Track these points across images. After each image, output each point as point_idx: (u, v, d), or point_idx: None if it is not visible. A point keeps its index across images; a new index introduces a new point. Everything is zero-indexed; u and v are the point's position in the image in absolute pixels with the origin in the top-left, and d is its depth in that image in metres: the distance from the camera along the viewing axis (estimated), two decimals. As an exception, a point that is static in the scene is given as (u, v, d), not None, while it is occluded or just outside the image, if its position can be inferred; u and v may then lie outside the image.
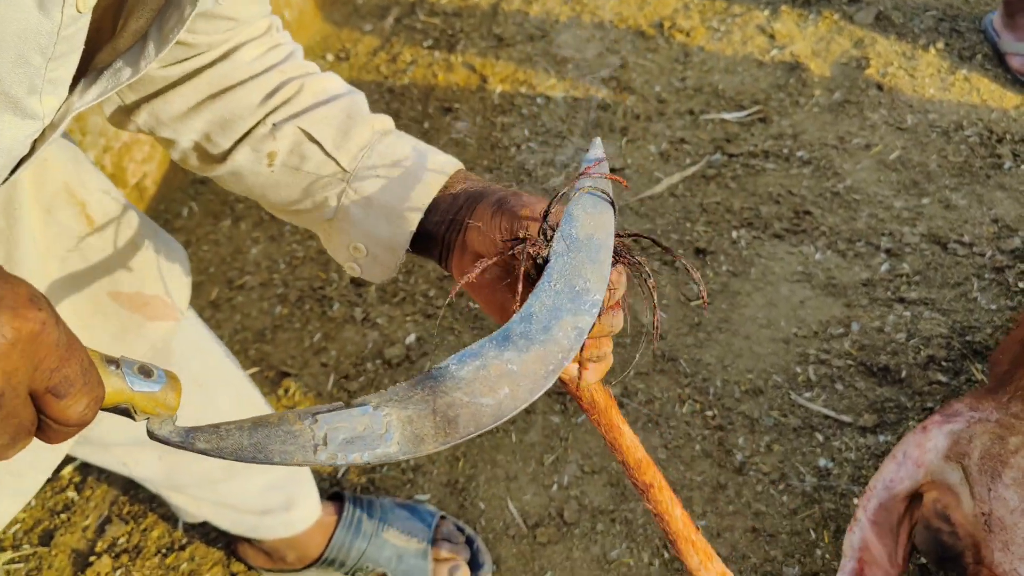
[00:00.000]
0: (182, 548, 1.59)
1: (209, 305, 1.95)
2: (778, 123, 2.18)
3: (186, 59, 0.87)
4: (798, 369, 1.73)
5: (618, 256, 0.77)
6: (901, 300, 1.81)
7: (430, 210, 0.87)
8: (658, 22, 2.48)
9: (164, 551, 1.58)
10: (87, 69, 0.74)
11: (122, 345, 1.06)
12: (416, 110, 2.34)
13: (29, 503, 1.63)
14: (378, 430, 0.63)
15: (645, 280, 0.78)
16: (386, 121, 0.93)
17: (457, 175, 0.89)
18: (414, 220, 0.87)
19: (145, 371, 0.62)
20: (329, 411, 0.63)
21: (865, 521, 1.29)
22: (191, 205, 2.17)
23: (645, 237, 0.77)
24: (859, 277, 1.86)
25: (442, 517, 1.56)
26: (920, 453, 1.26)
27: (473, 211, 0.83)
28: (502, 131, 2.25)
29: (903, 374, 1.70)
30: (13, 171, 0.73)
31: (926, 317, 1.78)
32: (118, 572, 1.56)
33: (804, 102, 2.22)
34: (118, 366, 0.61)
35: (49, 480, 1.66)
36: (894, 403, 1.67)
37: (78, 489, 1.67)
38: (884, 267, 1.87)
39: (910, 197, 1.99)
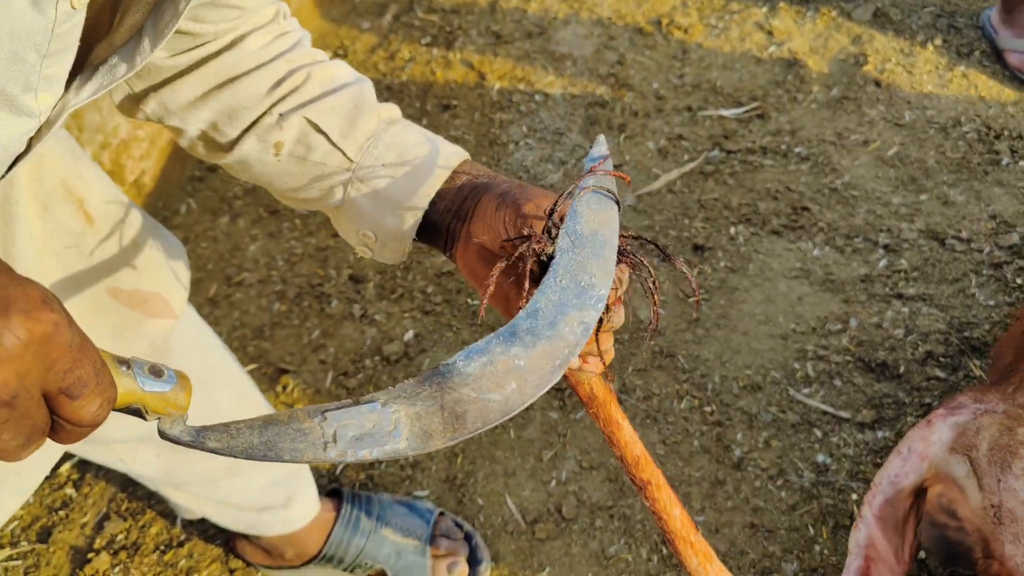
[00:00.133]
0: (180, 545, 1.59)
1: (207, 302, 1.95)
2: (776, 119, 2.18)
3: (193, 48, 0.87)
4: (796, 365, 1.74)
5: (621, 255, 0.77)
6: (899, 296, 1.81)
7: (435, 200, 0.87)
8: (656, 19, 2.47)
9: (163, 548, 1.58)
10: (84, 65, 0.74)
11: (121, 342, 1.05)
12: (414, 107, 2.34)
13: (28, 500, 1.63)
14: (387, 427, 0.64)
15: (647, 280, 0.78)
16: (393, 110, 0.93)
17: (463, 165, 0.89)
18: (419, 212, 0.87)
19: (156, 371, 0.62)
20: (338, 408, 0.64)
21: (871, 517, 1.28)
22: (189, 202, 2.17)
23: (646, 240, 0.78)
24: (857, 273, 1.86)
25: (440, 513, 1.56)
26: (924, 446, 1.25)
27: (477, 203, 0.84)
28: (500, 128, 2.25)
29: (901, 370, 1.70)
30: (9, 168, 0.73)
31: (924, 313, 1.78)
32: (116, 569, 1.56)
33: (802, 98, 2.22)
34: (129, 366, 0.61)
35: (47, 477, 1.65)
36: (892, 399, 1.67)
37: (76, 486, 1.67)
38: (882, 263, 1.87)
39: (908, 193, 1.99)
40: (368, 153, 0.89)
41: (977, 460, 1.18)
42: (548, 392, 1.72)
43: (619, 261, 0.76)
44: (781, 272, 1.88)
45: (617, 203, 0.79)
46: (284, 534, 1.45)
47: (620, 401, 1.68)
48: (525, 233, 0.76)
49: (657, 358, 1.77)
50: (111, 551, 1.58)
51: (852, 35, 2.35)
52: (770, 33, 2.39)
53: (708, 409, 1.69)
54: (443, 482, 1.64)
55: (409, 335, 1.85)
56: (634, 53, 2.39)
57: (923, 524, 1.24)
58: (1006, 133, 2.08)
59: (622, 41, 2.43)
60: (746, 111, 2.21)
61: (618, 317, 0.77)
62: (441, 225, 0.87)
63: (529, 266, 0.75)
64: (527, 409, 1.71)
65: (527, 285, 0.74)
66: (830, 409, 1.67)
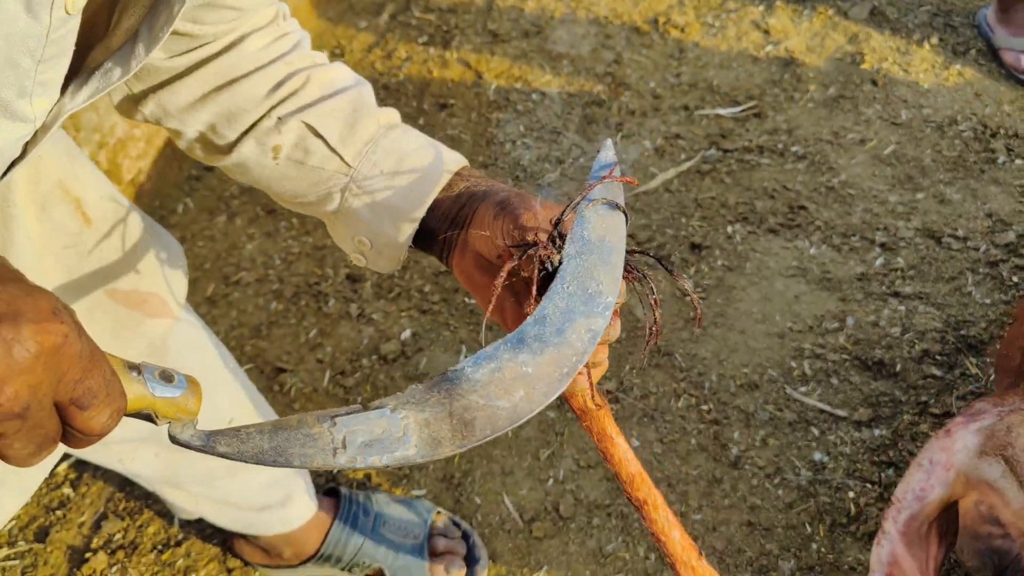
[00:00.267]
0: (178, 544, 1.59)
1: (205, 301, 1.95)
2: (773, 118, 2.19)
3: (192, 49, 0.87)
4: (793, 363, 1.74)
5: (626, 271, 0.77)
6: (896, 294, 1.81)
7: (433, 208, 0.87)
8: (653, 18, 2.48)
9: (160, 547, 1.58)
10: (80, 69, 0.74)
11: (119, 343, 1.05)
12: (411, 106, 2.34)
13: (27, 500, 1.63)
14: (396, 433, 0.64)
15: (648, 296, 0.78)
16: (392, 115, 0.93)
17: (461, 172, 0.89)
18: (416, 220, 0.87)
19: (166, 376, 0.62)
20: (347, 414, 0.64)
21: (895, 534, 1.24)
22: (186, 201, 2.16)
23: (650, 255, 0.78)
24: (854, 272, 1.86)
25: (438, 512, 1.56)
26: (948, 456, 1.21)
27: (475, 211, 0.84)
28: (497, 127, 2.25)
29: (898, 368, 1.70)
30: (5, 173, 0.73)
31: (921, 311, 1.79)
32: (114, 568, 1.56)
33: (799, 97, 2.22)
34: (140, 372, 0.61)
35: (45, 477, 1.66)
36: (889, 397, 1.67)
37: (74, 486, 1.67)
38: (879, 261, 1.87)
39: (904, 192, 2.00)
40: (366, 159, 0.89)
41: (1015, 457, 1.13)
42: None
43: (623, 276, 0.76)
44: (778, 271, 1.88)
45: (625, 214, 0.79)
46: (282, 533, 1.45)
47: (616, 400, 1.69)
48: (530, 239, 0.76)
49: (655, 357, 1.77)
50: (108, 551, 1.58)
51: (849, 34, 2.36)
52: (767, 32, 2.39)
53: (705, 408, 1.69)
54: (440, 481, 1.65)
55: (406, 334, 1.85)
56: (631, 52, 2.39)
57: (964, 540, 1.17)
58: (1002, 131, 2.09)
59: (619, 40, 2.43)
60: (743, 110, 2.21)
61: (614, 330, 0.77)
62: (438, 232, 0.87)
63: (535, 274, 0.75)
64: (524, 408, 1.71)
65: (534, 292, 0.74)
66: (827, 407, 1.67)
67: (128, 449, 1.24)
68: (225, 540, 1.57)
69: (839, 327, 1.78)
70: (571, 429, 1.68)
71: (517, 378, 0.68)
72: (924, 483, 1.21)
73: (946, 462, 1.19)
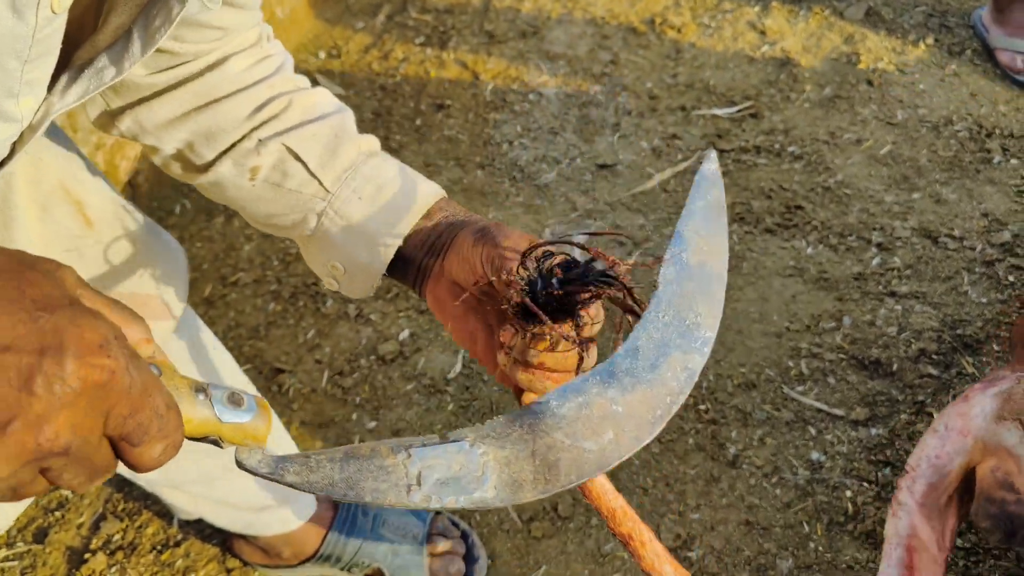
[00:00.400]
0: (177, 545, 1.59)
1: (203, 302, 1.95)
2: (769, 118, 2.19)
3: (172, 67, 0.87)
4: (790, 363, 1.74)
5: (604, 283, 0.69)
6: (892, 294, 1.82)
7: (410, 236, 0.86)
8: (649, 18, 2.48)
9: (159, 548, 1.59)
10: (67, 66, 0.73)
11: None
12: (408, 107, 2.34)
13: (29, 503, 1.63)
14: (474, 471, 0.60)
15: (626, 313, 0.72)
16: (372, 142, 0.92)
17: (440, 203, 0.89)
18: (392, 247, 0.86)
19: (235, 400, 0.60)
20: (424, 446, 0.60)
21: (912, 504, 1.19)
22: (184, 202, 2.17)
23: (612, 278, 0.69)
24: (850, 271, 1.87)
25: (437, 512, 1.57)
26: (964, 422, 1.17)
27: (453, 239, 0.83)
28: (494, 127, 2.25)
29: (894, 367, 1.71)
30: None
31: (917, 311, 1.79)
32: (113, 569, 1.56)
33: (795, 97, 2.23)
34: (207, 394, 0.59)
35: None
36: (886, 396, 1.68)
37: (72, 486, 1.67)
38: (875, 261, 1.88)
39: (901, 192, 2.00)
40: (345, 184, 0.88)
41: None
42: (543, 391, 1.73)
43: (599, 293, 0.69)
44: (775, 270, 1.89)
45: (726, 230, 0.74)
46: (281, 533, 1.45)
47: (615, 399, 1.69)
48: (505, 269, 0.73)
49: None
50: (107, 551, 1.58)
51: (844, 34, 2.36)
52: (763, 32, 2.40)
53: (703, 407, 1.70)
54: (439, 481, 1.65)
55: (404, 334, 1.86)
56: (627, 52, 2.40)
57: (979, 504, 1.15)
58: (997, 132, 2.10)
59: (615, 40, 2.44)
60: (739, 110, 2.22)
61: (590, 359, 0.73)
62: (414, 260, 0.87)
63: (513, 295, 0.70)
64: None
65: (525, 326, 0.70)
66: (824, 407, 1.67)
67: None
68: (224, 540, 1.57)
69: (836, 326, 1.79)
70: (569, 429, 1.68)
71: (606, 417, 0.63)
72: (939, 450, 1.17)
73: (963, 427, 1.16)
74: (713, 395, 1.71)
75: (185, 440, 0.58)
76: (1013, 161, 2.04)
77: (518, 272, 0.70)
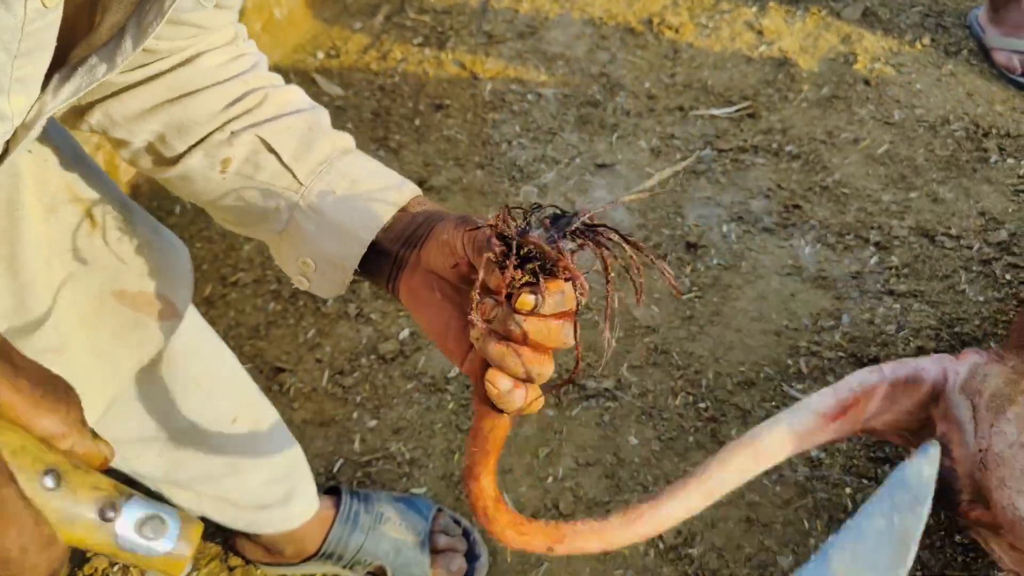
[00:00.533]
0: (179, 543, 1.59)
1: (203, 302, 1.95)
2: (767, 118, 2.20)
3: (146, 64, 0.86)
4: (789, 361, 1.75)
5: (590, 237, 0.65)
6: (890, 292, 1.83)
7: (386, 230, 0.85)
8: (647, 19, 2.49)
9: (161, 546, 1.59)
10: (62, 66, 0.73)
11: (125, 345, 1.06)
12: (407, 107, 2.35)
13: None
14: None
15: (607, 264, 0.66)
16: (347, 140, 0.91)
17: (416, 199, 0.87)
18: (366, 241, 0.85)
19: (152, 528, 0.56)
20: None
21: (889, 375, 1.22)
22: (183, 203, 2.17)
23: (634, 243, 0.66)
24: (849, 270, 1.88)
25: (439, 510, 1.57)
26: (950, 365, 1.22)
27: (432, 229, 0.81)
28: (493, 127, 2.26)
29: (893, 365, 1.72)
30: None
31: (915, 309, 1.80)
32: (115, 568, 1.56)
33: (793, 97, 2.24)
34: (115, 511, 0.54)
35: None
36: (884, 394, 1.69)
37: (74, 486, 1.67)
38: (873, 260, 1.89)
39: (898, 191, 2.01)
40: (320, 178, 0.87)
41: (978, 405, 1.17)
42: (545, 390, 1.73)
43: (582, 245, 0.65)
44: (773, 269, 1.90)
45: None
46: (283, 532, 1.45)
47: (614, 398, 1.70)
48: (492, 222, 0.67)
49: (652, 355, 1.78)
50: (110, 550, 1.58)
51: (841, 34, 2.37)
52: (760, 33, 2.41)
53: (703, 405, 1.70)
54: (440, 479, 1.66)
55: (404, 334, 1.86)
56: (625, 53, 2.41)
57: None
58: (994, 131, 2.11)
59: (613, 41, 2.45)
60: (737, 110, 2.23)
61: (566, 333, 0.69)
62: (390, 253, 0.85)
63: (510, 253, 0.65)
64: (523, 406, 1.72)
65: (510, 267, 0.65)
66: (823, 404, 1.68)
67: (132, 449, 1.25)
68: (227, 539, 1.57)
69: (834, 325, 1.79)
70: (570, 428, 1.69)
71: None
72: (927, 365, 1.19)
73: (947, 370, 1.20)
74: (713, 393, 1.72)
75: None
76: (1010, 160, 2.05)
77: (505, 221, 0.65)
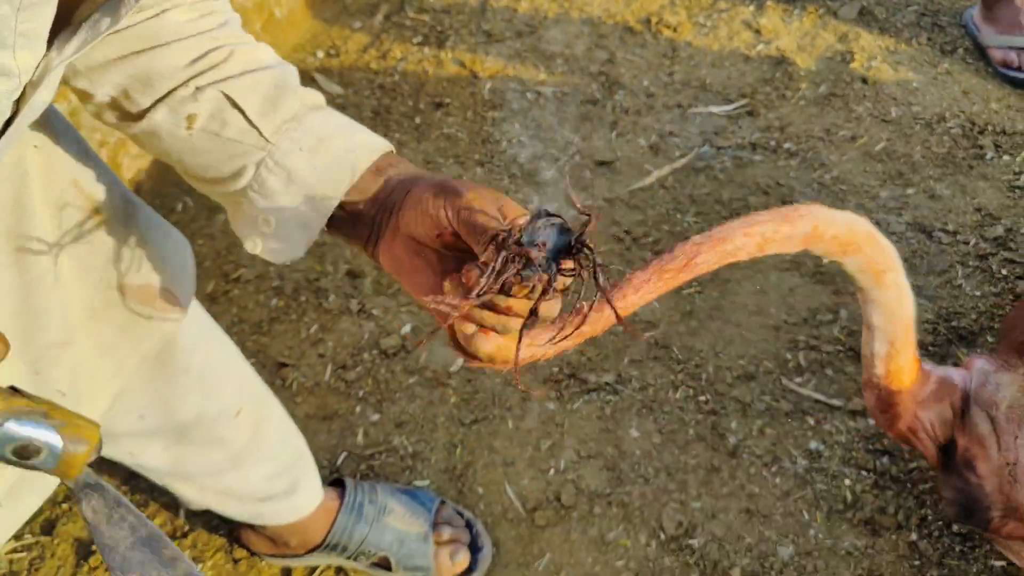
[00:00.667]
0: (184, 535, 1.60)
1: (206, 298, 1.96)
2: (765, 116, 2.22)
3: None
4: (788, 355, 1.77)
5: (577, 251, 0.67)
6: (888, 287, 1.85)
7: (358, 190, 0.84)
8: (645, 18, 2.51)
9: (166, 539, 1.60)
10: (67, 24, 0.72)
11: (129, 338, 1.07)
12: (407, 105, 2.36)
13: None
14: None
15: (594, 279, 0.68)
16: (317, 96, 0.90)
17: (387, 158, 0.86)
18: (334, 200, 0.83)
19: (22, 454, 0.57)
20: None
21: (931, 367, 1.23)
22: (186, 200, 2.18)
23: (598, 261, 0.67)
24: (847, 265, 1.89)
25: (442, 502, 1.58)
26: (964, 375, 1.23)
27: (407, 193, 0.80)
28: (493, 126, 2.27)
29: (891, 359, 1.74)
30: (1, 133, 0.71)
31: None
32: (121, 560, 1.57)
33: (790, 95, 2.26)
34: None
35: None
36: (883, 387, 1.70)
37: (79, 479, 1.69)
38: (871, 255, 1.90)
39: (895, 187, 2.03)
40: (286, 135, 0.85)
41: (996, 418, 1.16)
42: (544, 384, 1.75)
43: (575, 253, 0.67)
44: (772, 264, 1.91)
45: None
46: (288, 523, 1.46)
47: (616, 392, 1.71)
48: (508, 229, 0.68)
49: (652, 349, 1.80)
50: (115, 543, 1.59)
51: (838, 33, 2.39)
52: (758, 32, 2.43)
53: (703, 399, 1.72)
54: (443, 472, 1.67)
55: (407, 328, 1.88)
56: (624, 51, 2.42)
57: (946, 476, 1.21)
58: (990, 128, 2.13)
59: (612, 40, 2.46)
60: (736, 108, 2.25)
61: (553, 307, 0.70)
62: (364, 217, 0.83)
63: (496, 263, 0.66)
64: (525, 400, 1.74)
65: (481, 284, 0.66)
66: (822, 397, 1.70)
67: (137, 443, 1.26)
68: (231, 531, 1.58)
69: (833, 319, 1.81)
70: (571, 421, 1.71)
71: None
72: (951, 371, 1.21)
73: (965, 378, 1.21)
74: (713, 387, 1.73)
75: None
76: (1005, 157, 2.07)
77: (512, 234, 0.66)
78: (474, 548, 1.54)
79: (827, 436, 1.65)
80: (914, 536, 1.52)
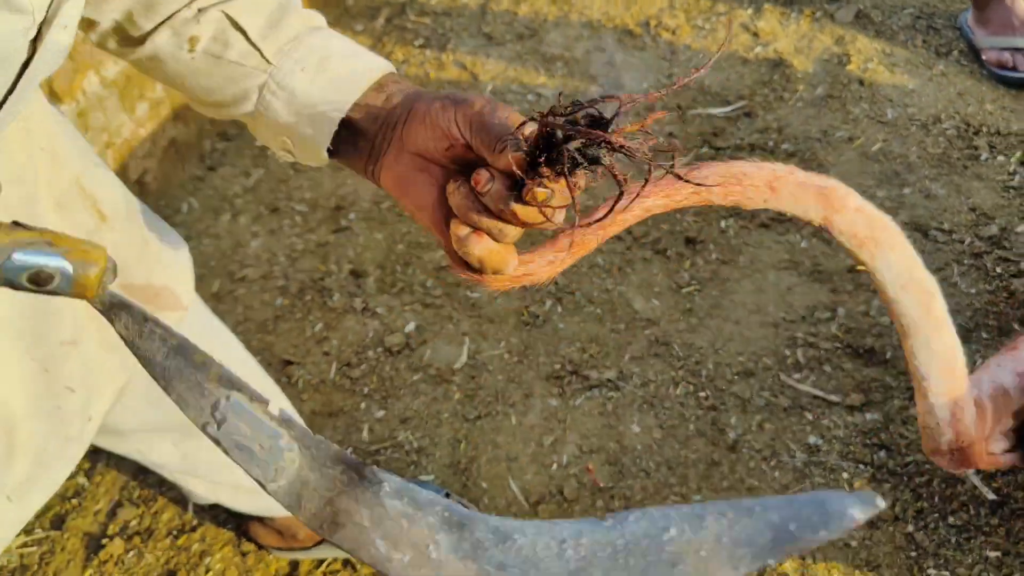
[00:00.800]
0: (193, 530, 1.62)
1: (211, 297, 1.99)
2: (763, 117, 2.25)
3: None
4: (787, 352, 1.79)
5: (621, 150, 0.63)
6: (885, 285, 1.87)
7: (360, 107, 0.82)
8: (644, 21, 2.54)
9: (175, 533, 1.62)
10: None
11: None
12: (409, 107, 2.38)
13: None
14: (270, 459, 0.60)
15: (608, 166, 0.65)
16: (318, 18, 0.89)
17: (390, 76, 0.85)
18: (336, 119, 0.82)
19: (36, 280, 0.59)
20: (246, 405, 0.60)
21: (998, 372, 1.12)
22: (190, 201, 2.21)
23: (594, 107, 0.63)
24: (844, 264, 1.92)
25: (446, 495, 1.61)
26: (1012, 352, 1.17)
27: (411, 109, 0.78)
28: (494, 127, 2.30)
29: (888, 355, 1.76)
30: (17, 80, 0.70)
31: (909, 301, 1.84)
32: (130, 553, 1.59)
33: (788, 97, 2.29)
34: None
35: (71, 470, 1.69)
36: (879, 383, 1.73)
37: (88, 475, 1.71)
38: (868, 254, 1.93)
39: (892, 187, 2.06)
40: (288, 56, 0.84)
41: (980, 401, 1.14)
42: (548, 380, 1.77)
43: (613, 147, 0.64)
44: (771, 263, 1.94)
45: None
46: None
47: (617, 388, 1.74)
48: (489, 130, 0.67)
49: (653, 346, 1.82)
50: (125, 536, 1.62)
51: (835, 36, 2.42)
52: (756, 34, 2.46)
53: (703, 394, 1.75)
54: (447, 467, 1.69)
55: (410, 327, 1.90)
56: (623, 54, 2.45)
57: None
58: (984, 129, 2.16)
59: (611, 43, 2.49)
60: (734, 109, 2.27)
61: (560, 195, 0.66)
62: (367, 134, 0.81)
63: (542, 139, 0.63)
64: (527, 397, 1.76)
65: (567, 176, 0.63)
66: (820, 393, 1.73)
67: (146, 439, 1.27)
68: (239, 524, 1.61)
69: (831, 317, 1.84)
70: (573, 416, 1.73)
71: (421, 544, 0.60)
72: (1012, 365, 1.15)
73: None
74: (713, 383, 1.76)
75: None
76: (1000, 157, 2.10)
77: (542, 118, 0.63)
78: (479, 541, 1.56)
79: (825, 431, 1.68)
80: (911, 528, 1.54)
